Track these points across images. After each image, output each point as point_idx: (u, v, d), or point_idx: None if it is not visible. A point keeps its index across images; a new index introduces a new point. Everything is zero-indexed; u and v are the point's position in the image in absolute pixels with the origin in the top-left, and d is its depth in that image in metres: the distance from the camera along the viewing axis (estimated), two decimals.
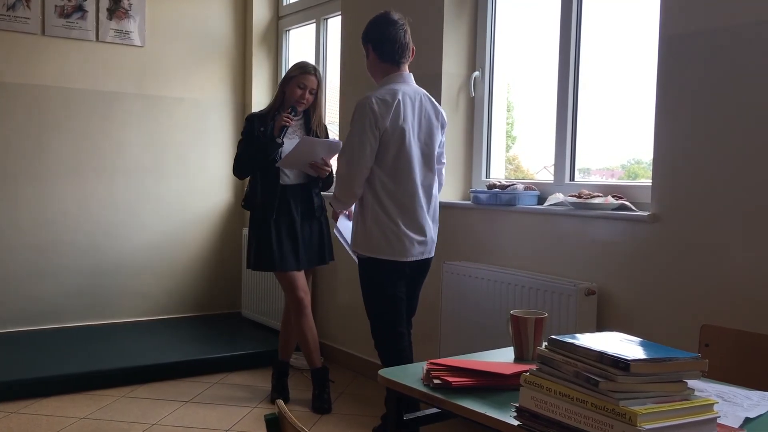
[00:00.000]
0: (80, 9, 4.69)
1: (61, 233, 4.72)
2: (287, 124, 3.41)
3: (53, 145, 4.68)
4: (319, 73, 3.52)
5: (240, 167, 3.56)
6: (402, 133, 2.71)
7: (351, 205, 2.90)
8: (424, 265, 2.93)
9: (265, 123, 3.47)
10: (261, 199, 3.46)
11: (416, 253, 2.82)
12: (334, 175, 2.87)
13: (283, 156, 3.39)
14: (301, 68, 3.49)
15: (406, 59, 2.82)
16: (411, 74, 2.85)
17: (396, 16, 2.81)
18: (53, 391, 3.69)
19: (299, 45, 5.29)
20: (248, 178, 3.61)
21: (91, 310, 4.84)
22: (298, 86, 3.45)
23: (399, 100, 2.70)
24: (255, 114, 3.59)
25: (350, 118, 2.77)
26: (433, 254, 2.94)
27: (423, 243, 2.84)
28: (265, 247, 3.44)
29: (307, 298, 3.52)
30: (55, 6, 4.60)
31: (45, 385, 3.68)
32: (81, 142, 4.77)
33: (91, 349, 4.21)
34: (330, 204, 3.00)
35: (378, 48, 2.79)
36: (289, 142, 3.43)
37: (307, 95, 3.47)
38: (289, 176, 3.47)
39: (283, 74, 5.29)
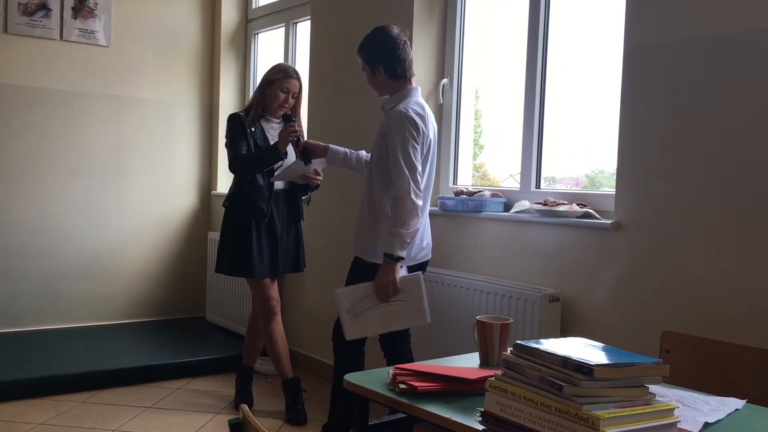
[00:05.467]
0: (44, 7, 4.61)
1: (20, 234, 4.63)
2: (293, 139, 3.25)
3: (14, 144, 4.59)
4: (300, 77, 3.49)
5: (244, 167, 3.36)
6: (430, 144, 2.83)
7: (419, 223, 2.75)
8: (425, 266, 3.00)
9: (251, 125, 3.40)
10: (251, 202, 3.35)
11: (421, 257, 2.93)
12: (392, 203, 2.70)
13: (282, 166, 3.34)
14: (284, 72, 3.43)
15: (413, 73, 2.92)
16: (419, 87, 2.93)
17: (396, 30, 2.87)
18: (11, 396, 3.60)
19: (268, 48, 5.27)
20: (234, 178, 3.50)
21: (50, 314, 4.75)
22: (281, 90, 3.39)
23: (427, 113, 2.84)
24: (241, 114, 3.44)
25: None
26: (430, 256, 3.02)
27: (428, 246, 2.97)
28: (245, 252, 3.36)
29: (278, 306, 3.50)
30: (19, 3, 4.52)
31: (2, 389, 3.59)
32: (43, 141, 4.68)
33: (50, 354, 4.13)
34: (388, 255, 2.68)
35: (390, 68, 2.84)
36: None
37: (290, 99, 3.45)
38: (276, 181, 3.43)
39: (252, 77, 5.31)
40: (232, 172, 3.47)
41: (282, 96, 3.41)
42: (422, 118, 2.78)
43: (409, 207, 2.68)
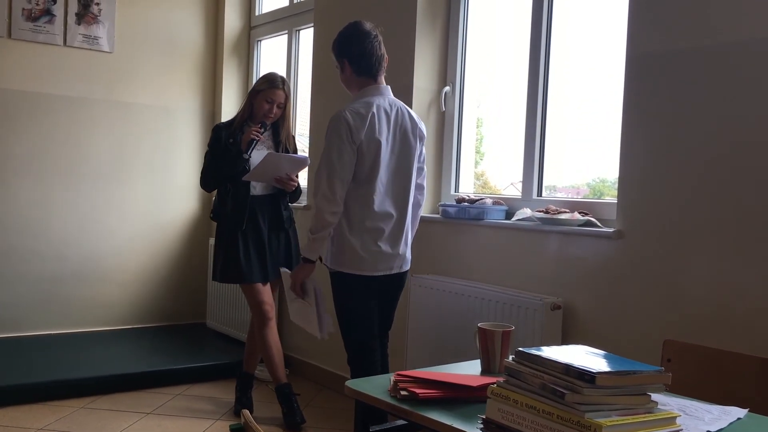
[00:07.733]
0: (48, 13, 4.63)
1: (23, 239, 4.63)
2: (256, 138, 3.37)
3: (18, 149, 4.59)
4: (288, 87, 3.50)
5: (207, 180, 3.54)
6: (377, 146, 2.66)
7: (329, 230, 2.67)
8: (396, 279, 2.86)
9: (234, 134, 3.45)
10: (230, 210, 3.43)
11: (384, 268, 2.76)
12: (312, 200, 2.68)
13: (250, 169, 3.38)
14: (269, 82, 3.45)
15: (382, 71, 2.79)
16: (388, 86, 2.80)
17: (368, 26, 2.76)
18: (10, 401, 3.59)
19: (271, 56, 5.28)
20: (216, 189, 3.58)
21: (51, 319, 4.74)
22: (266, 101, 3.42)
23: (373, 113, 2.66)
24: (222, 125, 3.56)
25: (324, 133, 2.71)
26: (405, 269, 2.87)
27: (393, 257, 2.77)
28: (233, 259, 3.41)
29: (272, 311, 3.50)
30: (23, 9, 4.53)
31: (2, 394, 3.59)
32: (47, 147, 4.69)
33: (50, 359, 4.12)
34: (302, 256, 2.78)
35: (355, 63, 2.75)
36: (258, 154, 3.40)
37: (275, 109, 3.45)
38: (255, 187, 3.45)
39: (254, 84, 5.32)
40: (202, 187, 3.63)
41: (266, 106, 3.43)
42: (359, 116, 2.63)
43: (317, 208, 2.64)
